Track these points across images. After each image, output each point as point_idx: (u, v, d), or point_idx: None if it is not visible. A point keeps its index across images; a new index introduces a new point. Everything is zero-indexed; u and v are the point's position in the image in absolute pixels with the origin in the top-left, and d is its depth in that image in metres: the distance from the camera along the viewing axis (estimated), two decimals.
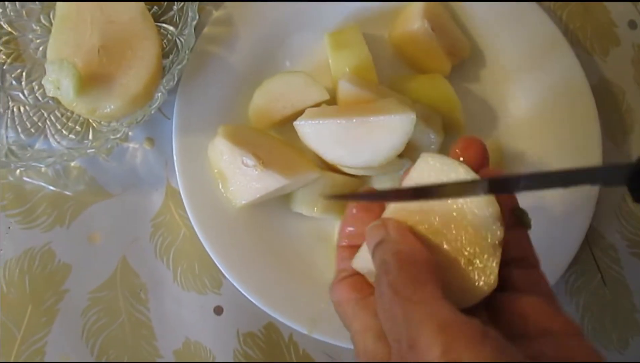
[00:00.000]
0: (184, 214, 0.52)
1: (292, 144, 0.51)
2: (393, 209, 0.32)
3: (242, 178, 0.48)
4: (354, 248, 0.34)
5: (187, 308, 0.51)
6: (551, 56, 0.55)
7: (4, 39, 0.55)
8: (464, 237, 0.30)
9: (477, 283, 0.30)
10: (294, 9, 0.55)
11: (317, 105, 0.51)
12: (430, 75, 0.54)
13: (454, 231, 0.30)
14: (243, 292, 0.48)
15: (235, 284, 0.49)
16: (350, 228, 0.35)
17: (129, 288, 0.52)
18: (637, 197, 0.28)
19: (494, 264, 0.30)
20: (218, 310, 0.51)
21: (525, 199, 0.51)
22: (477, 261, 0.30)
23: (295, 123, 0.48)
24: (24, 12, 0.56)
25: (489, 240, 0.30)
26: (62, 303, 0.51)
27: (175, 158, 0.50)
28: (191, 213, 0.49)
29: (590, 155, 0.53)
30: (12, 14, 0.55)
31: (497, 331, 0.26)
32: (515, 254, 0.32)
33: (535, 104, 0.55)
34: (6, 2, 0.55)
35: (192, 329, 0.51)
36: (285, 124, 0.52)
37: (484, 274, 0.30)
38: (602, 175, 0.29)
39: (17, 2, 0.56)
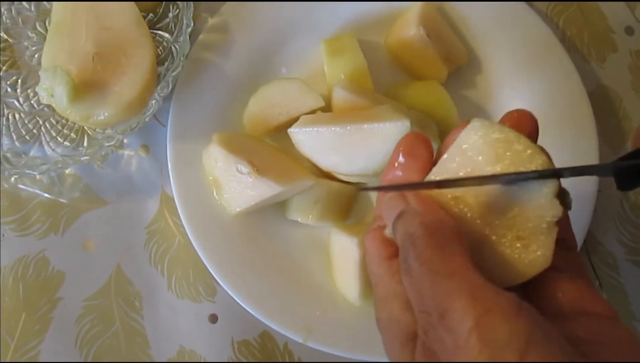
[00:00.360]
0: (179, 221, 0.52)
1: (287, 152, 0.51)
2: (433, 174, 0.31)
3: (237, 185, 0.47)
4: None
5: (182, 316, 0.51)
6: (548, 62, 0.55)
7: None
8: (515, 214, 0.29)
9: (527, 262, 0.28)
10: (289, 15, 0.55)
11: (312, 112, 0.51)
12: (426, 81, 0.54)
13: (503, 207, 0.29)
14: (238, 300, 0.48)
15: (229, 292, 0.48)
16: (397, 173, 0.32)
17: (123, 296, 0.51)
18: (621, 186, 0.29)
19: (550, 243, 0.28)
20: (213, 318, 0.51)
21: None
22: (531, 240, 0.28)
23: (290, 130, 0.48)
24: (19, 20, 0.56)
25: (547, 219, 0.28)
26: (56, 311, 0.51)
27: (169, 165, 0.50)
28: (185, 220, 0.49)
29: (587, 161, 0.52)
30: (7, 21, 0.55)
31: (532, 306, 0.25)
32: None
33: (531, 110, 0.54)
34: (2, 10, 0.55)
35: (187, 337, 0.51)
36: (281, 131, 0.51)
37: (537, 252, 0.28)
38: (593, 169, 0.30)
39: (13, 9, 0.56)
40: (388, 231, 0.31)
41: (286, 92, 0.51)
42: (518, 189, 0.29)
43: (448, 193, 0.30)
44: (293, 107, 0.51)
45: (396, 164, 0.32)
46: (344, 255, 0.48)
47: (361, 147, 0.46)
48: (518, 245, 0.28)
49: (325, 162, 0.48)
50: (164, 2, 0.55)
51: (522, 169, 0.29)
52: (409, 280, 0.26)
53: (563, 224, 0.31)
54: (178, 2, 0.53)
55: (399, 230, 0.28)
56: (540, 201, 0.29)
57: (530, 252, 0.28)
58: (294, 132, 0.48)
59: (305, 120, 0.48)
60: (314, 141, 0.48)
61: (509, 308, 0.24)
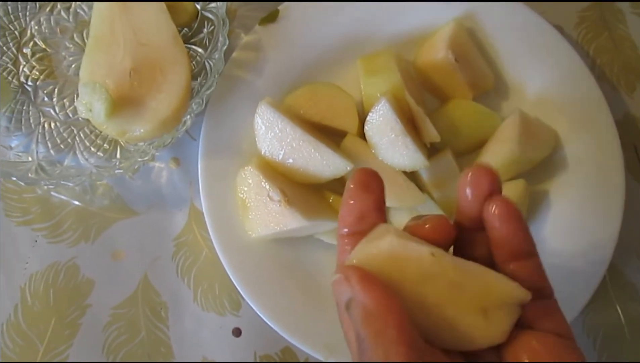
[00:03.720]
0: (207, 235, 0.53)
1: (319, 191, 0.52)
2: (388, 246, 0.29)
3: (264, 211, 0.48)
4: (357, 236, 0.30)
5: (206, 328, 0.52)
6: (576, 90, 0.55)
7: (37, 55, 0.56)
8: (484, 285, 0.29)
9: (485, 333, 0.28)
10: (322, 33, 0.55)
11: (343, 131, 0.52)
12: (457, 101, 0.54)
13: (470, 281, 0.29)
14: (261, 316, 0.49)
15: (254, 308, 0.49)
16: (349, 213, 0.31)
17: (150, 306, 0.53)
18: None
19: (511, 321, 0.29)
20: (236, 332, 0.52)
21: (546, 233, 0.51)
22: (494, 314, 0.29)
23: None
24: (58, 30, 0.57)
25: (515, 301, 0.29)
26: (85, 317, 0.52)
27: (200, 181, 0.51)
28: (214, 235, 0.50)
29: (613, 192, 0.52)
30: (46, 31, 0.57)
31: None
32: (530, 285, 0.30)
33: (558, 139, 0.54)
34: (41, 20, 0.57)
35: (210, 349, 0.52)
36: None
37: (496, 326, 0.29)
38: None
39: (52, 19, 0.57)
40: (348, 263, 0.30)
41: (332, 99, 0.52)
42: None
43: (415, 251, 0.29)
44: (328, 117, 0.52)
45: (351, 202, 0.31)
46: None
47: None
48: (479, 315, 0.28)
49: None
50: (199, 18, 0.56)
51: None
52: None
53: (537, 274, 0.31)
54: (213, 19, 0.54)
55: (351, 321, 0.28)
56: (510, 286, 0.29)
57: (489, 324, 0.29)
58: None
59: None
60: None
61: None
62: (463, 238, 0.32)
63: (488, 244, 0.31)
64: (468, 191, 0.30)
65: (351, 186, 0.31)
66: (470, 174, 0.30)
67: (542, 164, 0.54)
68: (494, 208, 0.29)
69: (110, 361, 0.52)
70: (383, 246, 0.28)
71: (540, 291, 0.30)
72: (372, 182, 0.31)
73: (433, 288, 0.28)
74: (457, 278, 0.29)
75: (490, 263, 0.31)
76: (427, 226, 0.31)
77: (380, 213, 0.31)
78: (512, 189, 0.51)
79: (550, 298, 0.31)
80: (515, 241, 0.30)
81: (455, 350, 0.29)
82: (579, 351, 0.29)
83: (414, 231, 0.31)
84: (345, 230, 0.31)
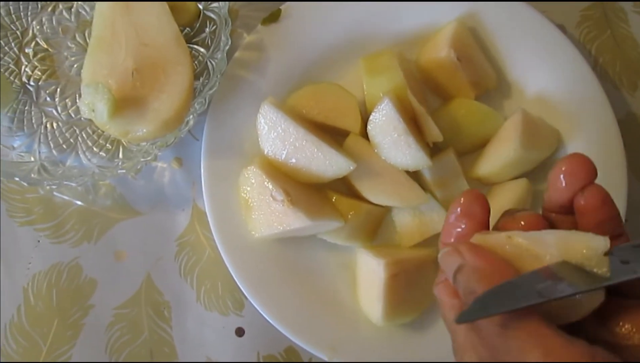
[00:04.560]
0: (209, 235, 0.53)
1: (322, 191, 0.52)
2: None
3: (267, 210, 0.48)
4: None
5: (210, 328, 0.52)
6: (578, 89, 0.55)
7: (40, 55, 0.56)
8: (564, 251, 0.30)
9: (583, 299, 0.28)
10: (325, 33, 0.55)
11: (345, 131, 0.52)
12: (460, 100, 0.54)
13: (553, 244, 0.30)
14: (265, 316, 0.49)
15: (257, 307, 0.49)
16: (449, 235, 0.34)
17: (153, 306, 0.53)
18: None
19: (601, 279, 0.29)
20: (239, 332, 0.52)
21: None
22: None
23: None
24: (60, 30, 0.57)
25: (595, 252, 0.29)
26: (88, 317, 0.52)
27: (203, 181, 0.51)
28: (217, 235, 0.50)
29: (615, 190, 0.52)
30: (48, 31, 0.57)
31: (605, 349, 0.25)
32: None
33: (560, 137, 0.55)
34: (43, 20, 0.57)
35: (214, 349, 0.52)
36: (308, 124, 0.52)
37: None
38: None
39: (53, 19, 0.57)
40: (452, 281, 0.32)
41: (337, 98, 0.52)
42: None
43: (501, 234, 0.31)
44: (331, 117, 0.52)
45: (453, 222, 0.33)
46: (369, 275, 0.49)
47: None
48: None
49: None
50: (200, 17, 0.55)
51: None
52: (478, 338, 0.28)
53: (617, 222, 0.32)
54: (215, 18, 0.54)
55: (461, 285, 0.29)
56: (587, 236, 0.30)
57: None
58: None
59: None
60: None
61: (580, 359, 0.25)
62: (550, 224, 0.33)
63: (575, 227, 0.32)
64: (562, 179, 0.32)
65: (456, 209, 0.33)
66: (566, 163, 0.32)
67: (544, 163, 0.54)
68: (590, 196, 0.31)
69: (113, 361, 0.52)
70: (491, 240, 0.31)
71: (620, 237, 0.32)
72: (474, 208, 0.33)
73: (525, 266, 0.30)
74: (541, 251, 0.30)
75: None
76: (522, 223, 0.32)
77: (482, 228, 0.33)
78: (514, 189, 0.51)
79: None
80: (610, 225, 0.31)
81: (567, 322, 0.29)
82: None
83: (509, 227, 0.32)
84: (445, 250, 0.33)
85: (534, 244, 0.30)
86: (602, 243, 0.29)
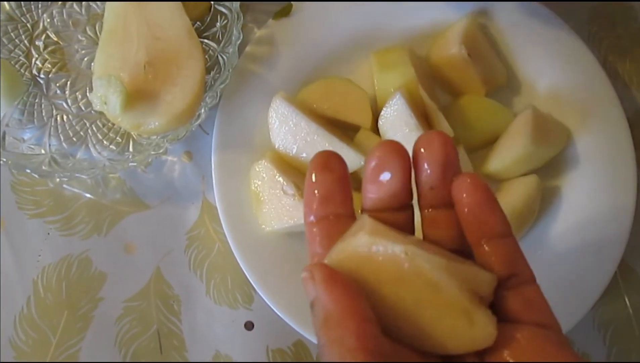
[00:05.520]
0: (219, 229, 0.53)
1: None
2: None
3: (278, 204, 0.48)
4: (325, 222, 0.29)
5: (219, 321, 0.52)
6: (588, 87, 0.55)
7: (50, 48, 0.56)
8: (458, 285, 0.26)
9: (469, 336, 0.26)
10: (336, 28, 0.55)
11: (356, 126, 0.52)
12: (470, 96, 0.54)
13: (447, 279, 0.26)
14: (274, 309, 0.49)
15: (267, 301, 0.49)
16: (312, 197, 0.29)
17: (162, 299, 0.53)
18: None
19: (495, 321, 0.27)
20: (249, 325, 0.52)
21: (558, 228, 0.52)
22: (474, 314, 0.26)
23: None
24: (70, 22, 0.57)
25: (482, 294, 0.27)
26: (97, 310, 0.53)
27: (213, 175, 0.51)
28: (227, 229, 0.50)
29: (624, 188, 0.53)
30: (59, 24, 0.57)
31: None
32: (503, 270, 0.28)
33: (570, 135, 0.55)
34: (54, 13, 0.57)
35: (223, 343, 0.52)
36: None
37: (479, 330, 0.26)
38: None
39: (64, 12, 0.57)
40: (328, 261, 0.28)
41: (346, 94, 0.52)
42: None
43: (389, 249, 0.27)
44: (341, 112, 0.52)
45: (313, 184, 0.29)
46: None
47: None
48: (462, 316, 0.26)
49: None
50: (212, 11, 0.55)
51: None
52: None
53: (511, 255, 0.28)
54: (226, 12, 0.54)
55: (314, 322, 0.26)
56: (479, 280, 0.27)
57: (473, 326, 0.26)
58: None
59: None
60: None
61: None
62: (432, 218, 0.30)
63: (457, 223, 0.29)
64: (425, 165, 0.28)
65: (311, 170, 0.29)
66: (420, 140, 0.28)
67: (553, 160, 0.54)
68: (463, 186, 0.28)
69: (122, 354, 0.52)
70: (357, 245, 0.27)
71: (518, 275, 0.28)
72: (331, 161, 0.29)
73: (410, 289, 0.26)
74: (434, 276, 0.26)
75: (462, 243, 0.29)
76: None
77: (345, 193, 0.29)
78: (524, 185, 0.51)
79: (532, 284, 0.29)
80: (489, 221, 0.28)
81: (439, 354, 0.27)
82: (565, 343, 0.27)
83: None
84: (312, 217, 0.29)
85: (434, 270, 0.26)
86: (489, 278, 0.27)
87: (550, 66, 0.56)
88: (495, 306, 0.28)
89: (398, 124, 0.49)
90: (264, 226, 0.50)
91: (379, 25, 0.56)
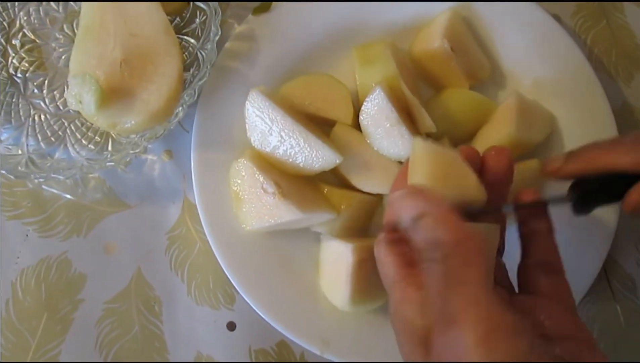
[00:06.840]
0: (200, 228, 0.52)
1: (314, 182, 0.51)
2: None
3: (258, 203, 0.47)
4: None
5: (200, 322, 0.52)
6: (573, 79, 0.54)
7: (27, 46, 0.56)
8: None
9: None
10: (317, 23, 0.55)
11: (333, 121, 0.51)
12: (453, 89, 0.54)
13: None
14: (256, 310, 0.48)
15: (248, 301, 0.49)
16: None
17: (143, 300, 0.52)
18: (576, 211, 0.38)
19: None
20: (231, 326, 0.51)
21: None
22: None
23: None
24: (47, 21, 0.56)
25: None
26: (77, 312, 0.52)
27: (193, 174, 0.50)
28: (207, 229, 0.49)
29: None
30: (36, 22, 0.56)
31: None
32: (542, 257, 0.36)
33: (555, 129, 0.54)
34: (30, 10, 0.56)
35: (204, 344, 0.51)
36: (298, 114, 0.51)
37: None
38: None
39: (41, 10, 0.56)
40: (405, 224, 0.31)
41: (328, 90, 0.52)
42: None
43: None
44: (322, 108, 0.52)
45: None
46: (336, 260, 0.48)
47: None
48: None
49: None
50: (190, 7, 0.55)
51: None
52: (431, 282, 0.29)
53: (550, 247, 0.36)
54: (205, 8, 0.53)
55: (420, 231, 0.29)
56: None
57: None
58: None
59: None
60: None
61: (512, 329, 0.27)
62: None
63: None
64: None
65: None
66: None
67: (538, 146, 0.53)
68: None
69: (103, 356, 0.51)
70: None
71: (551, 265, 0.36)
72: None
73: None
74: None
75: None
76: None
77: None
78: (525, 170, 0.50)
79: (560, 274, 0.36)
80: None
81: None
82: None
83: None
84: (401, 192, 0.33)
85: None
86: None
87: (535, 58, 0.55)
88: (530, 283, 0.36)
89: (379, 118, 0.48)
90: (244, 225, 0.49)
91: (360, 20, 0.55)
